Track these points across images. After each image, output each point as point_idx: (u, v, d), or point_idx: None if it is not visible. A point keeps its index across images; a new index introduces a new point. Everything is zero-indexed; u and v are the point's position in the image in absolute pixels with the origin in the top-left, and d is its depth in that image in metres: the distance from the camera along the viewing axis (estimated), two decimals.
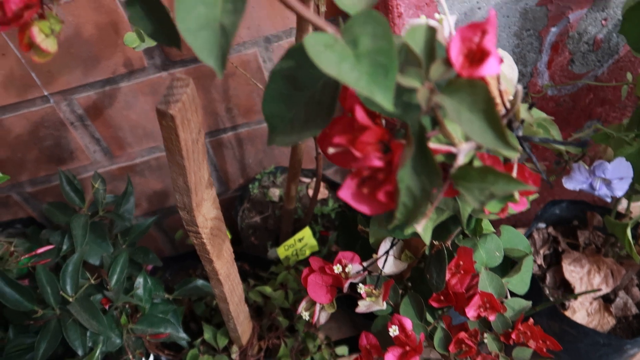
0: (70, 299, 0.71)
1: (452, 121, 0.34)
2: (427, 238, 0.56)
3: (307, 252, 1.14)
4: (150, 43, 0.75)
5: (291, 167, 0.98)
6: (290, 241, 1.11)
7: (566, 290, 1.10)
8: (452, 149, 0.37)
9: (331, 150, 0.38)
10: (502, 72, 0.55)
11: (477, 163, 0.40)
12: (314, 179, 1.22)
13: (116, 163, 1.12)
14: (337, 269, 0.69)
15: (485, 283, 0.65)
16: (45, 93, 0.95)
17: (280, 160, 1.23)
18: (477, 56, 0.34)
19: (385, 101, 0.33)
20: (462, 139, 0.39)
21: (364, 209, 0.38)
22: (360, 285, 0.68)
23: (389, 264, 0.69)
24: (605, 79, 1.06)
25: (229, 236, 1.08)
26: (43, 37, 0.35)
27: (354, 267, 0.70)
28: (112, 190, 1.16)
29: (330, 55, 0.34)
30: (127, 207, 0.88)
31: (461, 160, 0.38)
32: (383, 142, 0.37)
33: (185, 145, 0.45)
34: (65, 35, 0.88)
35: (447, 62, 0.34)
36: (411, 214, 0.37)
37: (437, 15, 0.48)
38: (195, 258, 1.21)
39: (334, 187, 1.21)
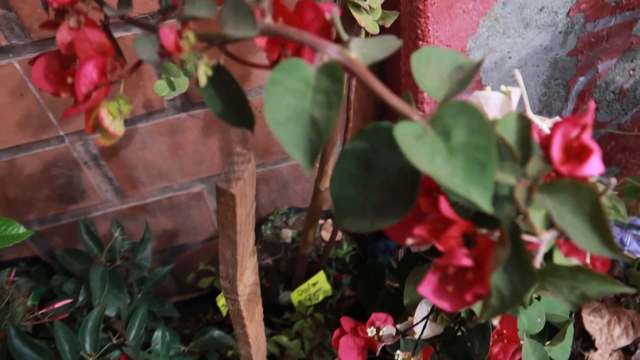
0: (90, 359, 0.67)
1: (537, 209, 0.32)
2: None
3: (321, 297, 1.11)
4: (180, 91, 0.73)
5: (311, 212, 0.95)
6: (304, 286, 1.08)
7: (585, 341, 1.08)
8: (534, 239, 0.35)
9: (410, 241, 0.36)
10: None
11: (557, 254, 0.38)
12: (328, 220, 1.20)
13: (127, 202, 1.09)
14: (371, 331, 0.67)
15: (529, 352, 0.62)
16: (61, 133, 0.92)
17: (293, 200, 1.21)
18: (576, 152, 0.32)
19: (483, 201, 0.30)
20: (543, 227, 0.37)
21: (445, 305, 0.35)
22: (398, 352, 0.65)
23: (420, 328, 0.67)
24: (628, 127, 1.04)
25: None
26: (111, 119, 0.33)
27: (387, 330, 0.67)
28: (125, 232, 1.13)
29: (422, 148, 0.32)
30: (144, 254, 0.85)
31: (543, 250, 0.35)
32: (467, 235, 0.35)
33: (239, 221, 0.42)
34: None
35: (546, 159, 0.32)
36: (497, 313, 0.35)
37: (503, 87, 0.46)
38: (205, 301, 1.18)
39: None
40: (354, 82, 0.76)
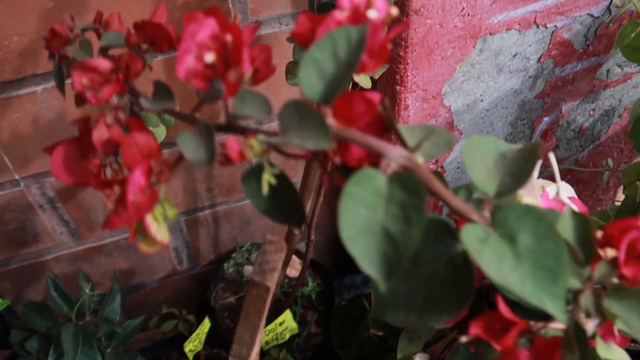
0: None
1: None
2: None
3: (287, 335, 1.09)
4: (159, 140, 0.70)
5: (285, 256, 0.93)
6: (272, 326, 1.05)
7: None
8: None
9: (464, 339, 0.35)
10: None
11: (600, 345, 0.37)
12: (294, 258, 1.18)
13: (83, 244, 1.03)
14: None
15: None
16: (17, 177, 0.87)
17: (255, 236, 1.18)
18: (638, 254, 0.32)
19: (557, 312, 0.30)
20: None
21: None
22: None
23: None
24: (584, 162, 1.08)
25: (208, 324, 1.02)
26: (156, 225, 0.30)
27: None
28: (75, 272, 1.07)
29: (488, 253, 0.31)
30: (113, 306, 0.80)
31: (590, 332, 0.35)
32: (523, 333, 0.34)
33: (266, 309, 0.40)
34: (48, 119, 0.81)
35: (614, 263, 0.32)
36: None
37: (539, 182, 0.46)
38: (167, 345, 1.13)
39: (314, 265, 1.17)
40: None
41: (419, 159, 0.30)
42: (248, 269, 1.15)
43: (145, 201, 0.29)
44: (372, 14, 0.30)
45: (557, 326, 0.33)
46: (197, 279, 1.21)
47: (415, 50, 0.76)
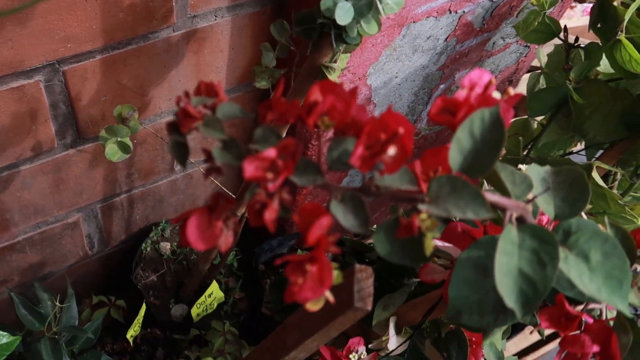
0: None
1: None
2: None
3: (215, 305, 1.13)
4: (127, 155, 0.69)
5: None
6: (202, 299, 1.09)
7: None
8: None
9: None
10: None
11: None
12: None
13: None
14: (353, 356, 0.74)
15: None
16: None
17: (167, 213, 1.18)
18: None
19: (625, 309, 0.40)
20: None
21: None
22: None
23: (393, 342, 0.76)
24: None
25: (144, 307, 1.03)
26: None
27: (362, 350, 0.75)
28: None
29: (572, 270, 0.40)
30: (72, 312, 0.79)
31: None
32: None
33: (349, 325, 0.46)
34: None
35: None
36: None
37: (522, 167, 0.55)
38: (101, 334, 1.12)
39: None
40: None
41: (530, 207, 0.38)
42: (165, 246, 1.16)
43: (327, 272, 0.34)
44: (497, 94, 0.36)
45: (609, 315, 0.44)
46: (110, 260, 1.19)
47: None
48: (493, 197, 0.36)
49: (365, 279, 0.45)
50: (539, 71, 0.93)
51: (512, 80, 1.19)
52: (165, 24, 0.77)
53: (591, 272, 0.40)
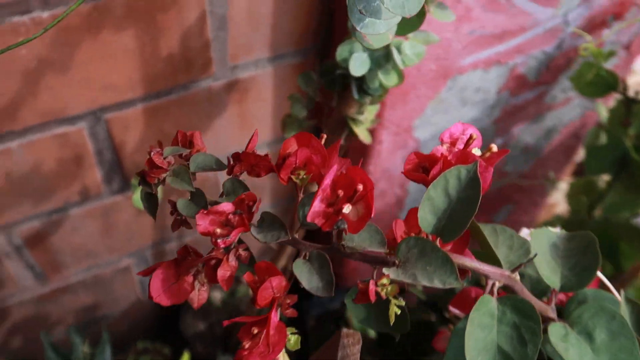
0: None
1: None
2: None
3: None
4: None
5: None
6: None
7: None
8: None
9: None
10: None
11: None
12: None
13: (48, 286, 1.01)
14: None
15: None
16: None
17: None
18: None
19: None
20: None
21: None
22: None
23: None
24: (528, 174, 1.17)
25: (188, 357, 1.02)
26: (283, 355, 0.32)
27: None
28: (42, 314, 1.04)
29: (570, 349, 0.35)
30: (104, 358, 0.80)
31: None
32: None
33: None
34: (21, 173, 0.78)
35: None
36: None
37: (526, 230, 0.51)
38: None
39: None
40: None
41: (517, 276, 0.34)
42: (215, 296, 1.16)
43: (278, 337, 0.32)
44: (476, 152, 0.34)
45: None
46: (161, 306, 1.21)
47: (392, 93, 0.80)
48: (473, 263, 0.33)
49: (351, 344, 0.42)
50: (599, 126, 0.88)
51: (578, 137, 1.12)
52: (204, 74, 0.78)
53: (595, 354, 0.36)
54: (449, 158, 0.33)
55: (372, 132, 0.86)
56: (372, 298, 0.31)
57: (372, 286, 0.31)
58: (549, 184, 1.08)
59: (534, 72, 0.91)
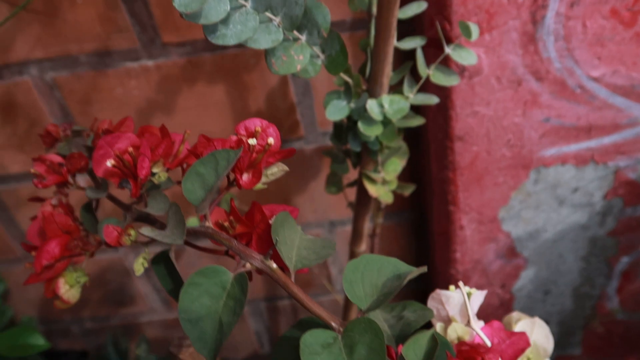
0: None
1: None
2: None
3: None
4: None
5: None
6: None
7: None
8: None
9: None
10: (535, 343, 0.53)
11: None
12: None
13: (173, 313, 1.15)
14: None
15: None
16: None
17: None
18: None
19: None
20: None
21: None
22: None
23: None
24: None
25: None
26: (67, 288, 0.38)
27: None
28: (166, 338, 1.18)
29: (324, 357, 0.34)
30: None
31: None
32: None
33: None
34: None
35: None
36: None
37: (465, 288, 0.48)
38: None
39: None
40: None
41: (273, 265, 0.35)
42: None
43: (57, 268, 0.37)
44: (252, 141, 0.37)
45: None
46: None
47: (464, 174, 0.79)
48: (233, 243, 0.36)
49: None
50: None
51: None
52: (294, 134, 0.87)
53: None
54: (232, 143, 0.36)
55: (451, 215, 0.85)
56: (112, 242, 0.35)
57: (112, 231, 0.35)
58: None
59: None
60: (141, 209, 0.38)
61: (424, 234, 1.02)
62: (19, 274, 1.07)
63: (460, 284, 0.40)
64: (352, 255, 0.79)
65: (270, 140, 0.38)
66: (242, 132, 0.38)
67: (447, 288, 1.02)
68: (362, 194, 0.70)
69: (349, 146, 0.64)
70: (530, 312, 1.00)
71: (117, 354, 0.86)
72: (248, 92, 0.82)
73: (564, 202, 0.84)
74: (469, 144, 0.76)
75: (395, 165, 0.67)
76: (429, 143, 0.82)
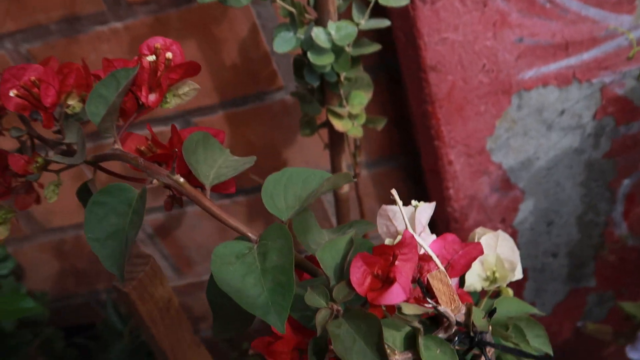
0: None
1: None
2: None
3: None
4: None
5: None
6: None
7: None
8: None
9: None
10: (499, 256, 0.52)
11: None
12: None
13: (184, 279, 1.16)
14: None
15: None
16: None
17: None
18: (385, 280, 0.33)
19: (278, 324, 0.32)
20: (402, 348, 0.37)
21: None
22: None
23: None
24: None
25: None
26: None
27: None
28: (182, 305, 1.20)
29: (239, 267, 0.34)
30: None
31: None
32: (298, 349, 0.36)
33: (149, 317, 0.46)
34: None
35: (350, 285, 0.33)
36: None
37: (414, 202, 0.47)
38: None
39: None
40: None
41: (180, 179, 0.35)
42: None
43: None
44: (151, 58, 0.36)
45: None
46: None
47: (443, 106, 0.77)
48: (147, 164, 0.35)
49: (139, 264, 0.45)
50: None
51: None
52: (273, 85, 0.86)
53: (262, 275, 0.34)
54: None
55: (437, 150, 0.83)
56: (19, 170, 0.35)
57: (19, 159, 0.35)
58: None
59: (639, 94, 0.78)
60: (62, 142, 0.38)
61: (420, 178, 1.01)
62: (29, 252, 1.10)
63: (393, 191, 0.39)
64: (336, 197, 0.79)
65: (168, 54, 0.38)
66: (145, 51, 0.38)
67: (446, 229, 1.00)
68: (333, 131, 0.69)
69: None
70: (535, 245, 0.98)
71: (118, 317, 0.87)
72: (219, 45, 0.82)
73: (552, 126, 0.81)
74: (443, 74, 0.75)
75: (360, 98, 0.65)
76: (405, 78, 0.80)
